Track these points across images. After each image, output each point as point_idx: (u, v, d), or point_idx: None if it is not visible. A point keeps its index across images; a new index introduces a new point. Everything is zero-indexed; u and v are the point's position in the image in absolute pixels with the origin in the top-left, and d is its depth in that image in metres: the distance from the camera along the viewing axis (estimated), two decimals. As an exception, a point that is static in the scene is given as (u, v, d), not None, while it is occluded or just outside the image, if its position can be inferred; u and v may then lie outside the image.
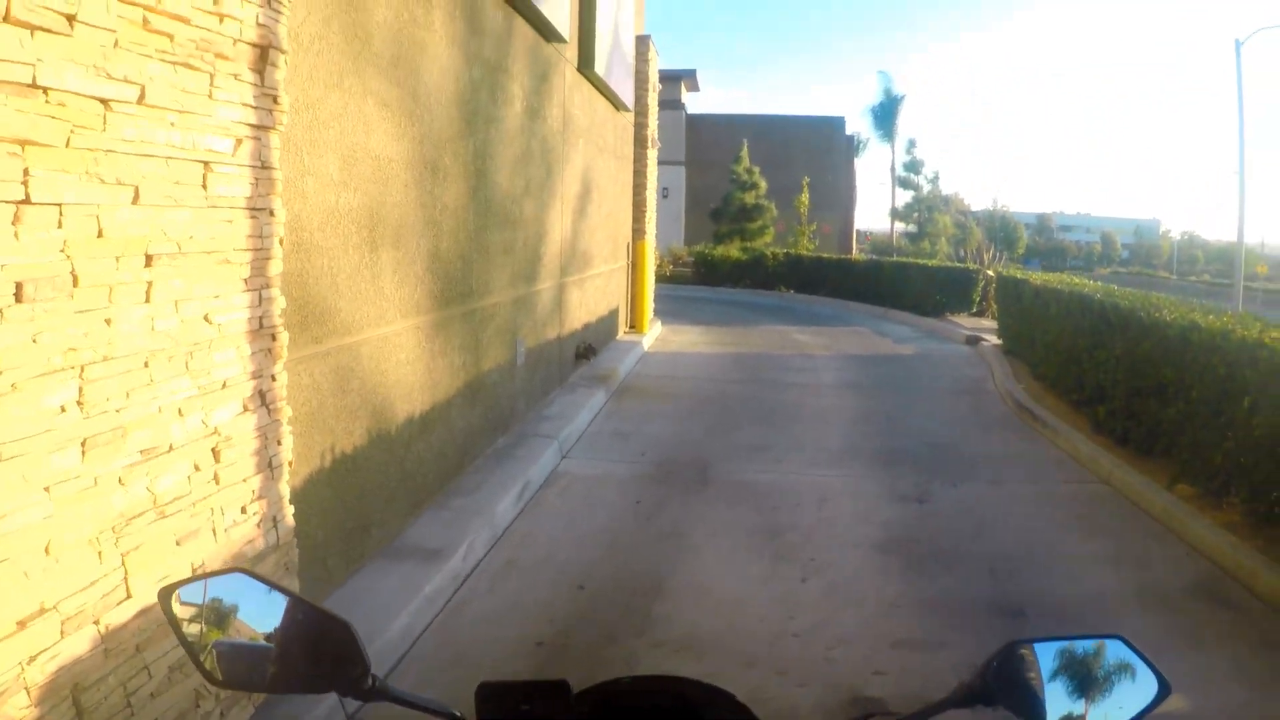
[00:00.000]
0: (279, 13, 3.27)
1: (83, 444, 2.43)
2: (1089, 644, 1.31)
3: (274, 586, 1.33)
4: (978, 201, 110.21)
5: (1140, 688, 1.27)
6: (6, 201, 2.19)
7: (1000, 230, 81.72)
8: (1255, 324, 6.65)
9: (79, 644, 2.43)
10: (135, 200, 2.59)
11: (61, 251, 2.35)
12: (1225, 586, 5.23)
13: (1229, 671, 4.23)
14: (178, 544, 2.81)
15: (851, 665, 4.18)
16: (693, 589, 4.95)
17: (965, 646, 4.30)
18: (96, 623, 2.50)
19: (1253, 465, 5.74)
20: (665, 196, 37.43)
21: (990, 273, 19.41)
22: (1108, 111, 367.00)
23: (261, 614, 1.32)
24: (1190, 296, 12.40)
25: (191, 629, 1.31)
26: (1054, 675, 1.28)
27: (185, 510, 2.85)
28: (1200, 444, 6.45)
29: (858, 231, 57.45)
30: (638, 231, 15.30)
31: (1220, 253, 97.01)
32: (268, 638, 1.31)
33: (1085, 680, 1.28)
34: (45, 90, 2.27)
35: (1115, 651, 1.30)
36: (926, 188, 51.60)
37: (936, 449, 8.21)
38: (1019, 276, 13.60)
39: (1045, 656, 1.30)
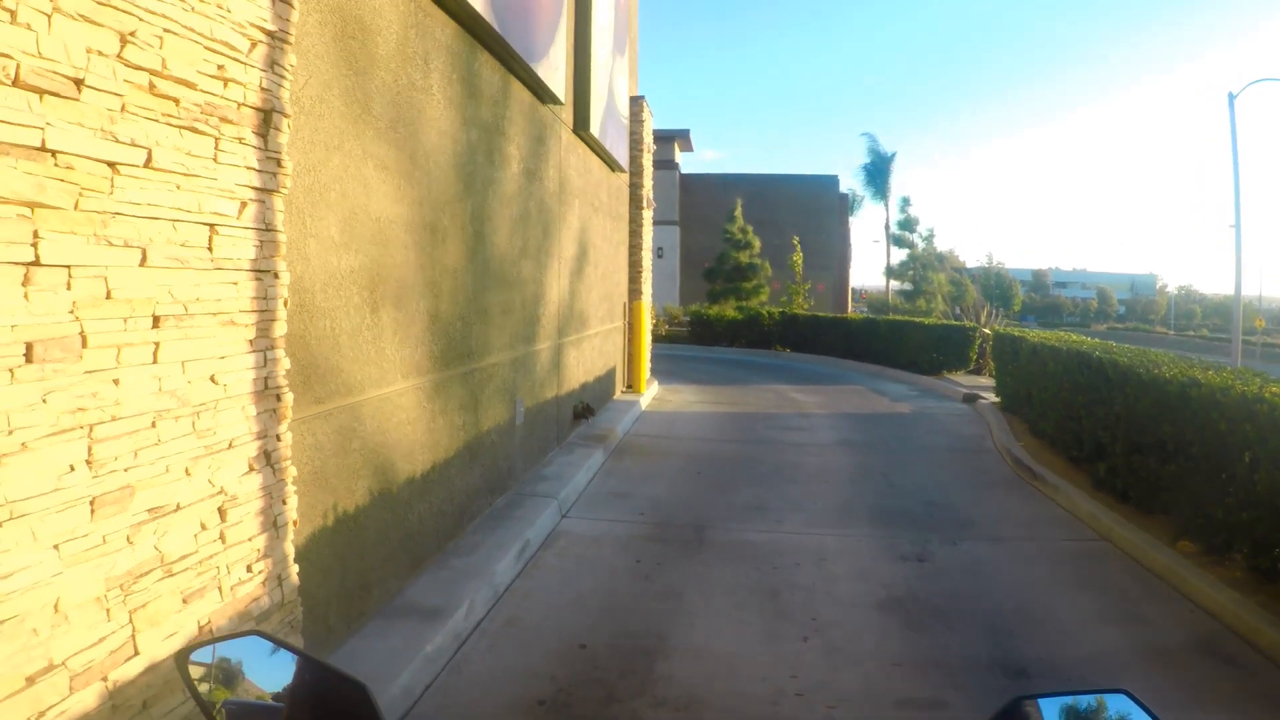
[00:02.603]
0: (282, 77, 3.36)
1: (91, 503, 2.45)
2: (1094, 699, 1.28)
3: (290, 648, 1.34)
4: (973, 258, 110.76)
5: None
6: (17, 263, 2.24)
7: (996, 287, 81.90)
8: (1255, 379, 6.60)
9: (86, 700, 2.43)
10: (143, 262, 2.65)
11: (70, 313, 2.40)
12: (1228, 643, 5.19)
13: (1233, 729, 4.21)
14: (184, 602, 2.82)
15: (855, 724, 4.15)
16: (694, 648, 4.93)
17: (967, 706, 4.29)
18: (104, 679, 2.50)
19: (1254, 521, 5.68)
20: (660, 256, 37.62)
21: (987, 330, 19.46)
22: (1103, 167, 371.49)
23: (277, 675, 1.32)
24: (1188, 351, 12.24)
25: (206, 690, 1.31)
26: None
27: (192, 568, 2.86)
28: (1201, 500, 6.38)
29: (853, 289, 57.43)
30: (634, 291, 15.41)
31: (1217, 306, 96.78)
32: (278, 698, 1.31)
33: (1091, 736, 1.21)
34: (54, 153, 2.33)
35: (1120, 706, 1.29)
36: (921, 245, 51.40)
37: (935, 507, 8.17)
38: (1016, 334, 13.55)
39: (1050, 712, 1.28)
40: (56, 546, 2.33)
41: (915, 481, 9.32)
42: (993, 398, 14.70)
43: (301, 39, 3.85)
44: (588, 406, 11.10)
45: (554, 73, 8.48)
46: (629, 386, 15.00)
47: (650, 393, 15.23)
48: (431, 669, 4.45)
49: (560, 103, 9.00)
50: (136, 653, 2.61)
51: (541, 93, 8.32)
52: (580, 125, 10.45)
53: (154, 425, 2.69)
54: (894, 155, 49.73)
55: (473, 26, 6.21)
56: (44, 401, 2.31)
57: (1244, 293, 27.13)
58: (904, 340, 21.00)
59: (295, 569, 3.52)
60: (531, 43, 7.54)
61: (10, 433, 2.21)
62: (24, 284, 2.25)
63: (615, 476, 9.12)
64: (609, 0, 11.95)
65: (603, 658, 4.76)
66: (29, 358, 2.26)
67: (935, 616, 5.47)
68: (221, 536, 3.02)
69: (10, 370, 2.21)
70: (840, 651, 4.93)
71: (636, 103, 15.08)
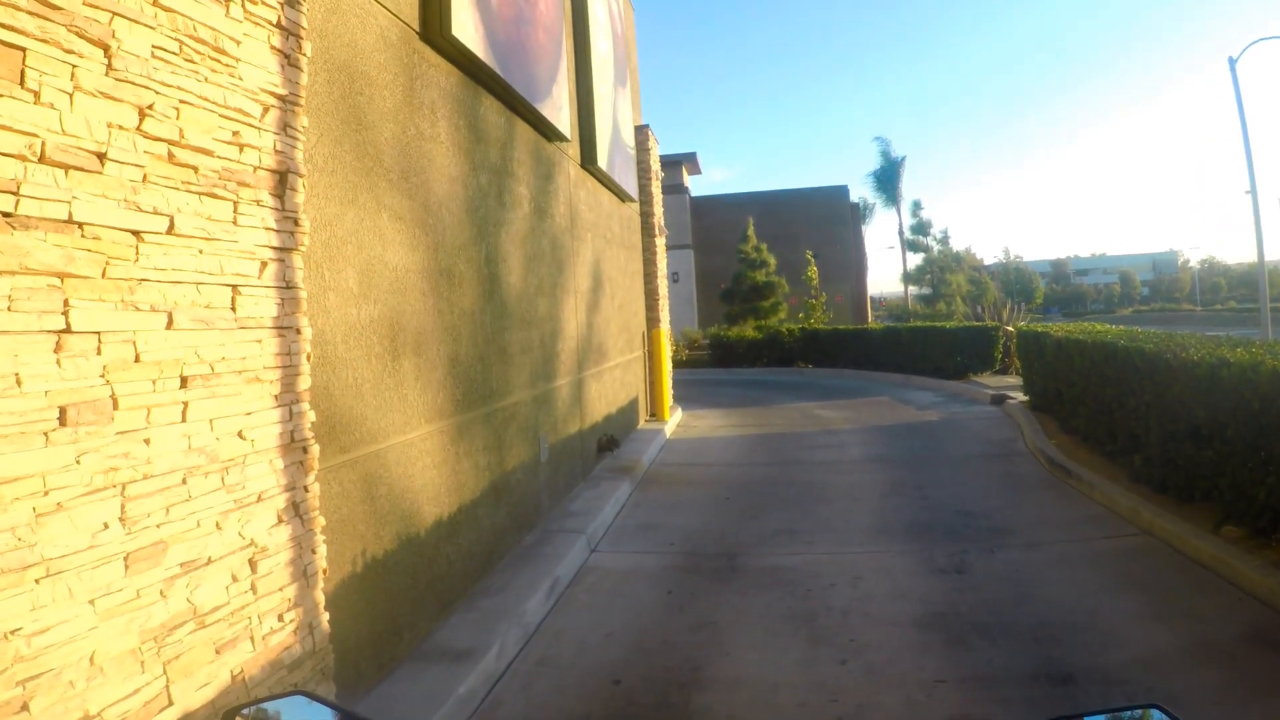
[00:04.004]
0: (295, 138, 3.47)
1: (125, 559, 2.54)
2: (1129, 715, 1.31)
3: (335, 707, 1.39)
4: (990, 254, 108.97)
5: None
6: (49, 331, 2.34)
7: (1016, 282, 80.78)
8: (1285, 350, 6.42)
9: (121, 752, 2.50)
10: (169, 325, 2.75)
11: (101, 377, 2.50)
12: (1280, 629, 5.11)
13: (1297, 718, 4.10)
14: (217, 652, 2.89)
15: (899, 746, 4.09)
16: (730, 678, 4.87)
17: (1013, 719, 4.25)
18: (139, 730, 2.57)
19: (1297, 498, 5.54)
20: (675, 281, 37.65)
21: (1010, 329, 19.25)
22: (1113, 147, 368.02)
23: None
24: (1217, 327, 11.89)
25: None
26: None
27: (224, 620, 2.93)
28: (1241, 483, 6.28)
29: (871, 298, 56.73)
30: (652, 320, 15.46)
31: (1243, 277, 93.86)
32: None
33: (1130, 751, 1.16)
34: (81, 225, 2.45)
35: None
36: (936, 248, 50.45)
37: (970, 516, 8.03)
38: (1039, 330, 13.39)
39: None
40: (92, 602, 2.42)
41: (948, 491, 9.16)
42: (1021, 397, 14.53)
43: (311, 99, 3.97)
44: (612, 438, 11.14)
45: (558, 111, 8.59)
46: (652, 415, 15.03)
47: (674, 420, 15.20)
48: (464, 711, 4.44)
49: (566, 139, 9.12)
50: (170, 703, 2.68)
51: (547, 131, 8.43)
52: (588, 160, 10.57)
53: (184, 482, 2.78)
54: (904, 159, 49.12)
55: (475, 72, 6.34)
56: (78, 463, 2.40)
57: (1268, 258, 25.99)
58: (927, 346, 20.79)
59: (326, 616, 3.58)
60: (534, 83, 7.68)
61: (46, 493, 2.30)
62: (56, 351, 2.36)
63: (643, 508, 9.08)
64: (608, 34, 12.12)
65: (638, 693, 4.73)
66: (62, 421, 2.36)
67: (976, 630, 5.37)
68: (253, 587, 3.09)
69: (45, 434, 2.31)
70: (880, 673, 4.85)
71: (642, 131, 15.14)
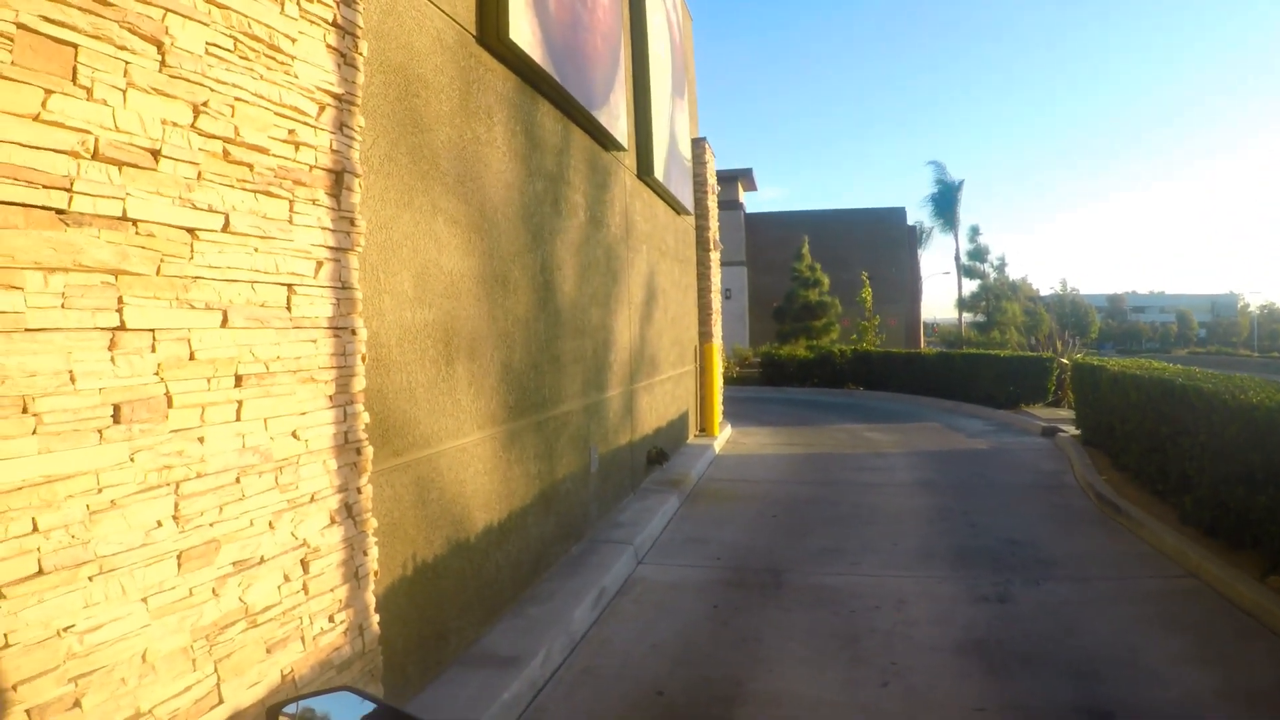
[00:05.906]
0: (351, 138, 3.46)
1: (178, 557, 2.53)
2: None
3: (379, 703, 1.36)
4: (1045, 285, 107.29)
5: None
6: (103, 329, 2.34)
7: (1070, 315, 79.65)
8: (1347, 402, 6.21)
9: (172, 749, 2.49)
10: (224, 323, 2.74)
11: (155, 374, 2.49)
12: (1322, 682, 4.99)
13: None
14: (268, 651, 2.88)
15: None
16: (772, 694, 4.88)
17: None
18: (189, 728, 2.55)
19: (1347, 552, 5.33)
20: (728, 297, 37.47)
21: (1065, 360, 18.93)
22: (1175, 183, 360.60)
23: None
24: (1272, 374, 11.57)
25: None
26: None
27: (276, 619, 2.92)
28: None
29: (925, 323, 56.19)
30: (704, 334, 15.38)
31: None
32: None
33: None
34: (135, 222, 2.44)
35: None
36: (993, 275, 49.84)
37: (1016, 546, 7.95)
38: (1095, 363, 13.14)
39: None
40: (145, 599, 2.41)
41: (995, 520, 9.05)
42: (1072, 431, 14.28)
43: (367, 100, 3.97)
44: (661, 451, 11.09)
45: (615, 119, 8.57)
46: (702, 430, 14.95)
47: (723, 436, 15.12)
48: (509, 716, 4.47)
49: (623, 149, 9.09)
50: (221, 701, 2.67)
51: (604, 139, 8.42)
52: (644, 170, 10.53)
53: (238, 481, 2.78)
54: (961, 183, 47.95)
55: (532, 78, 6.34)
56: (132, 460, 2.40)
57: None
58: (979, 374, 20.52)
59: (376, 619, 3.57)
60: (591, 90, 7.66)
61: (100, 491, 2.30)
62: (110, 348, 2.35)
63: (690, 522, 9.07)
64: (665, 44, 12.09)
65: (680, 705, 4.74)
66: (116, 419, 2.36)
67: (1017, 660, 5.33)
68: (304, 588, 3.08)
69: (99, 431, 2.31)
70: (920, 697, 4.84)
71: (698, 144, 15.03)
